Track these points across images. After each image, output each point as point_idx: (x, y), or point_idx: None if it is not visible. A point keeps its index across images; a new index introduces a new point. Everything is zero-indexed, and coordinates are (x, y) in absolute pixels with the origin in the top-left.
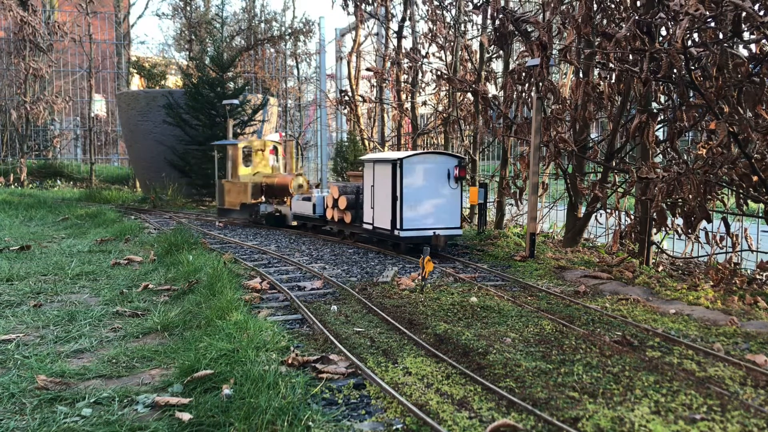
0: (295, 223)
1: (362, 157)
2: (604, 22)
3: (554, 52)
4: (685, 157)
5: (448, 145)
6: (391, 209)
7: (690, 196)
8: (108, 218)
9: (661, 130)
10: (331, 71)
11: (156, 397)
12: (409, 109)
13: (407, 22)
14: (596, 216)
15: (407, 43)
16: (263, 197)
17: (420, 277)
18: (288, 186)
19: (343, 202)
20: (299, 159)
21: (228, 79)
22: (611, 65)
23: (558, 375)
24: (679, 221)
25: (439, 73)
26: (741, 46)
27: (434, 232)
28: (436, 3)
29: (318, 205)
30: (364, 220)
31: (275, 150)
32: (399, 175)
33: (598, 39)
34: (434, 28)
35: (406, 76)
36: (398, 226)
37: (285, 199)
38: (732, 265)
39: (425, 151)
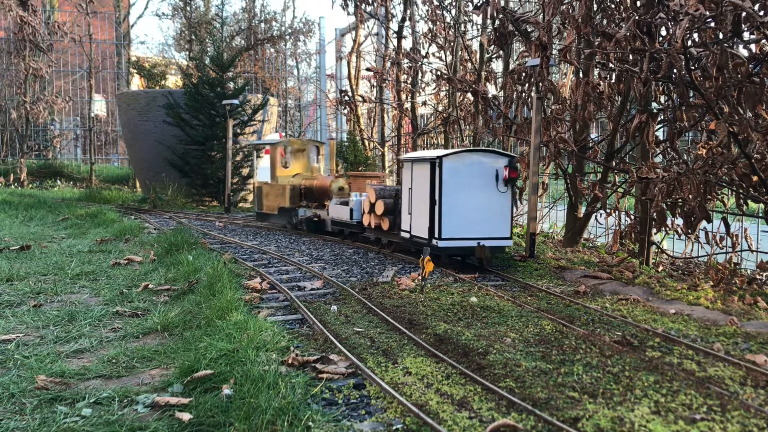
0: (332, 230)
1: (401, 156)
2: (604, 22)
3: (554, 52)
4: (685, 157)
5: (448, 145)
6: (429, 215)
7: (690, 196)
8: (108, 218)
9: (661, 130)
10: (331, 71)
11: (156, 397)
12: (409, 109)
13: (407, 22)
14: (596, 216)
15: (407, 43)
16: (304, 201)
17: (420, 277)
18: (327, 188)
19: (380, 207)
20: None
21: (228, 79)
22: (611, 65)
23: (558, 375)
24: (679, 221)
25: (439, 73)
26: (741, 46)
27: (478, 243)
28: (436, 3)
29: (355, 210)
30: (401, 227)
31: (317, 149)
32: (438, 175)
33: (598, 39)
34: (434, 28)
35: (406, 76)
36: (437, 235)
37: (325, 203)
38: (732, 265)
39: (470, 148)
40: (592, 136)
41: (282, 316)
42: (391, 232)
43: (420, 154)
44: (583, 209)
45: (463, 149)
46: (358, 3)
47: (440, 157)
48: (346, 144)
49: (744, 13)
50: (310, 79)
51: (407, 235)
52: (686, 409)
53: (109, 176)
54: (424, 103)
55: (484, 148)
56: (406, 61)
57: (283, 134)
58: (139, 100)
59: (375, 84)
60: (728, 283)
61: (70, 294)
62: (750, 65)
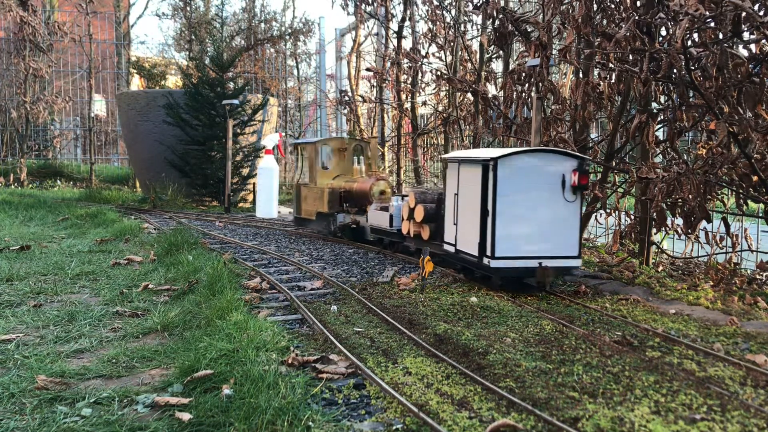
0: (371, 238)
1: (445, 156)
2: (604, 22)
3: (554, 52)
4: (685, 157)
5: (448, 145)
6: (479, 228)
7: (690, 196)
8: (108, 218)
9: (661, 130)
10: (331, 71)
11: (156, 397)
12: (409, 109)
13: (407, 22)
14: (596, 216)
15: (407, 43)
16: (346, 205)
17: (420, 277)
18: (367, 192)
19: (419, 213)
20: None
21: (228, 79)
22: (611, 65)
23: (558, 375)
24: (679, 221)
25: (439, 73)
26: (741, 46)
27: (540, 263)
28: (436, 3)
29: (396, 216)
30: (444, 238)
31: (360, 149)
32: (492, 180)
33: (598, 39)
34: (434, 28)
35: (406, 76)
36: (489, 252)
37: (365, 208)
38: (732, 265)
39: (531, 148)
40: (592, 136)
41: (282, 316)
42: (432, 242)
43: (469, 153)
44: (583, 209)
45: (522, 149)
46: (358, 3)
47: (495, 159)
48: None
49: (744, 13)
50: (310, 79)
51: (451, 249)
52: (686, 409)
53: (109, 176)
54: (424, 103)
55: (548, 147)
56: (406, 61)
57: (283, 134)
58: (139, 100)
59: (375, 84)
60: (728, 283)
61: (70, 294)
62: (750, 65)
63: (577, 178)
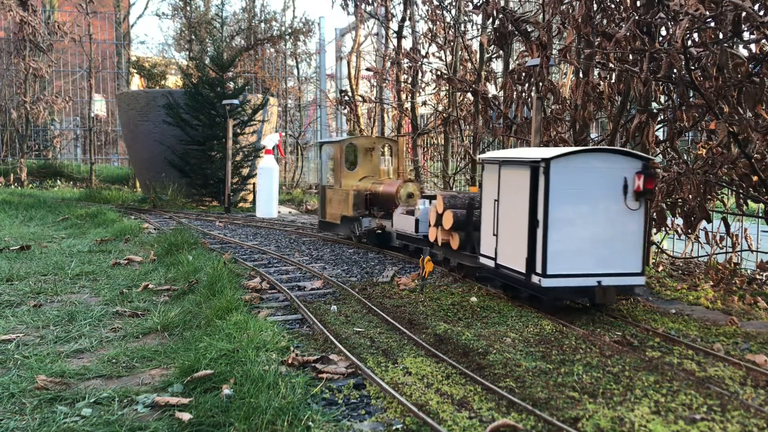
0: (398, 245)
1: (483, 156)
2: (604, 22)
3: (554, 52)
4: (685, 157)
5: (448, 145)
6: (527, 241)
7: (690, 196)
8: (108, 218)
9: (661, 130)
10: (331, 71)
11: (156, 397)
12: (409, 109)
13: (407, 22)
14: None
15: (407, 43)
16: (374, 209)
17: (420, 277)
18: (394, 195)
19: (448, 220)
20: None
21: (228, 79)
22: (611, 65)
23: (558, 375)
24: (679, 221)
25: (439, 73)
26: (741, 46)
27: (598, 281)
28: (436, 3)
29: (422, 221)
30: (481, 250)
31: (389, 148)
32: (544, 185)
33: (598, 39)
34: (434, 28)
35: (406, 76)
36: (540, 269)
37: (392, 212)
38: (732, 265)
39: (588, 147)
40: (592, 136)
41: (282, 316)
42: (462, 253)
43: (513, 153)
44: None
45: (578, 149)
46: (358, 3)
47: (548, 160)
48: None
49: (744, 13)
50: (310, 79)
51: (490, 263)
52: (686, 409)
53: (109, 176)
54: (424, 103)
55: (606, 147)
56: (406, 61)
57: (283, 134)
58: (139, 100)
59: (375, 84)
60: (728, 283)
61: (70, 294)
62: (750, 65)
63: (642, 182)
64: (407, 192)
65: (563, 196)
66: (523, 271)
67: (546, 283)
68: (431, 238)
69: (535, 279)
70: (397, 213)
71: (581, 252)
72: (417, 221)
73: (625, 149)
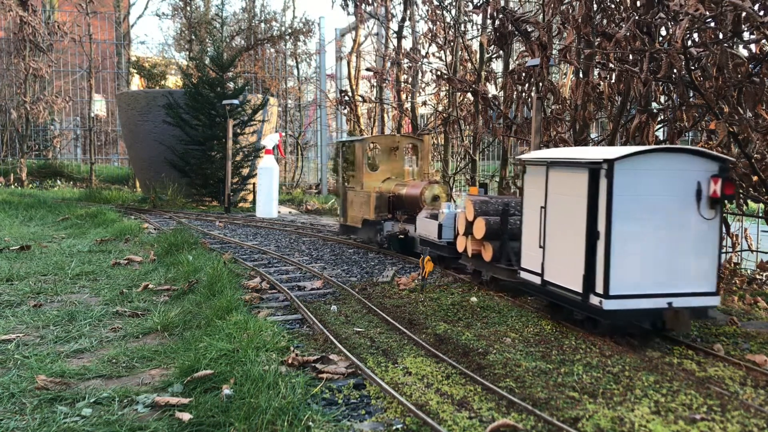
0: (420, 251)
1: (525, 156)
2: (604, 22)
3: (554, 52)
4: None
5: (448, 145)
6: (585, 255)
7: None
8: (108, 218)
9: (661, 130)
10: (331, 71)
11: (156, 397)
12: (409, 109)
13: (407, 22)
14: None
15: (407, 43)
16: (398, 212)
17: (420, 277)
18: (418, 197)
19: (480, 228)
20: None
21: (228, 79)
22: (611, 65)
23: (558, 375)
24: None
25: (439, 73)
26: (741, 46)
27: (669, 303)
28: (436, 3)
29: (446, 226)
30: (522, 264)
31: (415, 148)
32: (606, 191)
33: (598, 39)
34: (434, 28)
35: (406, 76)
36: (600, 289)
37: (416, 215)
38: (732, 265)
39: (655, 147)
40: (592, 136)
41: (282, 316)
42: (496, 265)
43: (565, 153)
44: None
45: (644, 148)
46: (358, 3)
47: (611, 161)
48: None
49: (744, 13)
50: (310, 79)
51: (535, 279)
52: (686, 409)
53: (109, 176)
54: (424, 103)
55: (675, 146)
56: (406, 61)
57: (283, 134)
58: (139, 100)
59: (375, 84)
60: (728, 283)
61: (70, 294)
62: (750, 65)
63: (720, 187)
64: (433, 194)
65: (629, 203)
66: (579, 290)
67: (609, 305)
68: (460, 248)
69: (594, 300)
70: (420, 217)
71: (648, 269)
72: (440, 226)
73: (698, 148)
